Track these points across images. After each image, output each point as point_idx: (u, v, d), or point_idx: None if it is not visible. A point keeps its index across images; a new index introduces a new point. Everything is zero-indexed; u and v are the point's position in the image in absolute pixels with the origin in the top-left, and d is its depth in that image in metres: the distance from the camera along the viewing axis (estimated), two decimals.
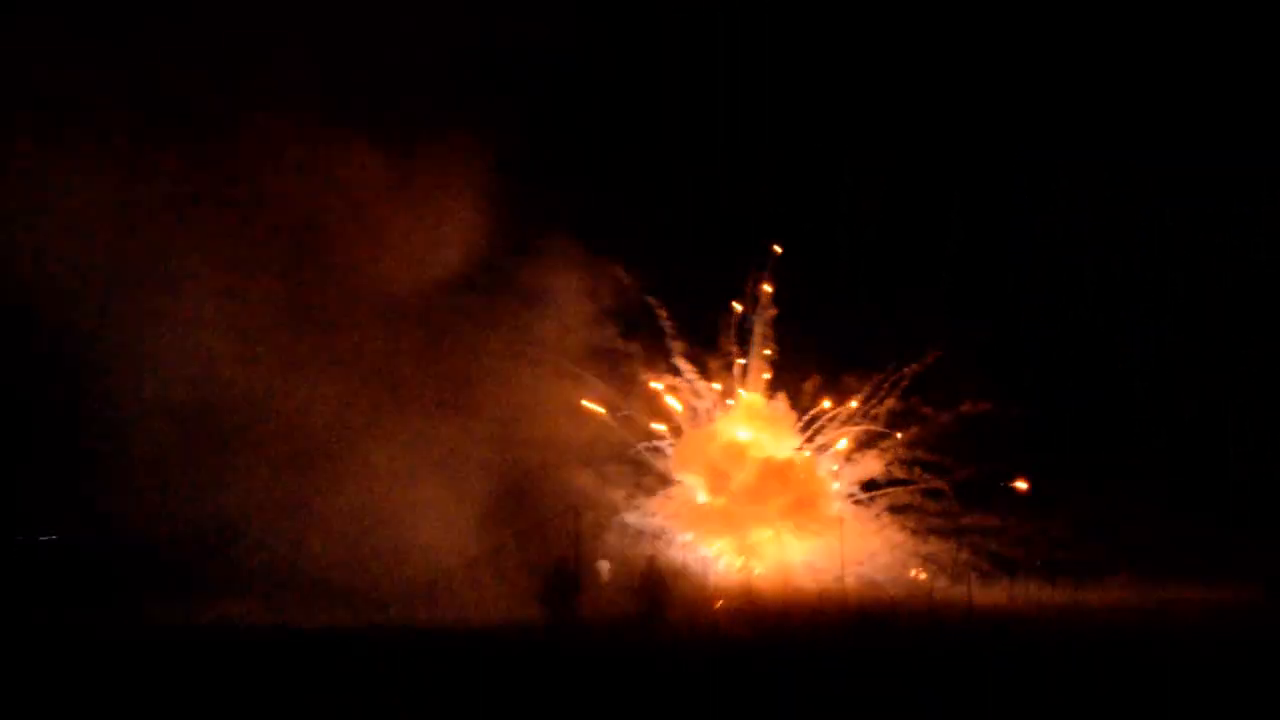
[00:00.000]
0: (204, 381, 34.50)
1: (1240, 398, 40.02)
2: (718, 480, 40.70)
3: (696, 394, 41.80)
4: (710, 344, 41.85)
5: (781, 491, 40.12)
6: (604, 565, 35.96)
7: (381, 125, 36.60)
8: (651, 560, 30.99)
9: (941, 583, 38.36)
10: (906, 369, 40.90)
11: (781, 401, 41.60)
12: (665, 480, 41.26)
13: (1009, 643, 27.57)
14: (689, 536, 39.98)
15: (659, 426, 41.54)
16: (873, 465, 41.01)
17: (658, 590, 30.40)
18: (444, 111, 36.40)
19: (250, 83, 35.03)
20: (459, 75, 37.15)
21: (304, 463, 35.39)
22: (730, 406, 41.98)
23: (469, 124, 36.69)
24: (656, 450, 41.50)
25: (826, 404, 41.59)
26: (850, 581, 36.67)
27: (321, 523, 35.02)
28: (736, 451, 40.97)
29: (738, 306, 41.97)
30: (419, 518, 35.76)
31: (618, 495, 40.00)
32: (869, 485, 41.44)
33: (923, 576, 38.88)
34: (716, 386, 41.96)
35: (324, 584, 33.54)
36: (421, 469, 36.39)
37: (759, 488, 40.11)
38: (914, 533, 40.05)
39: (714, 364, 41.90)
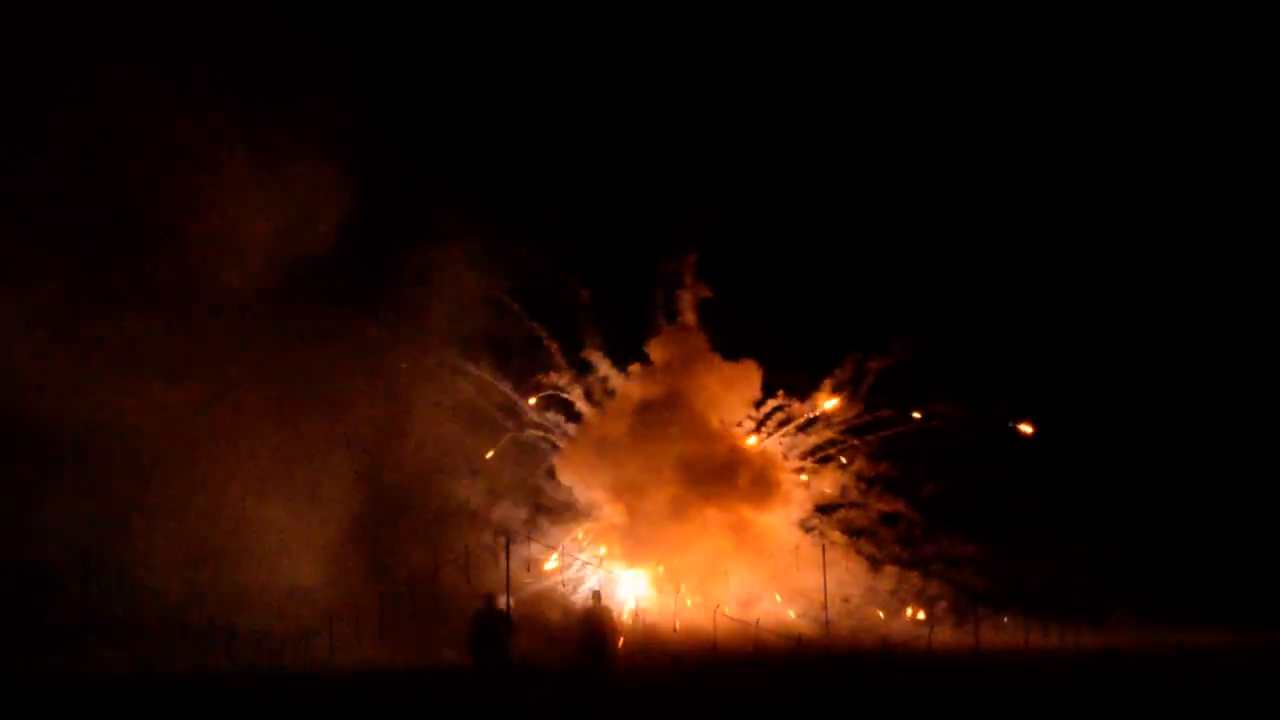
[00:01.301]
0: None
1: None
2: (629, 488, 33.55)
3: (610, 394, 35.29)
4: (631, 339, 35.29)
5: (726, 488, 33.00)
6: (502, 601, 29.77)
7: (226, 76, 30.70)
8: (596, 597, 25.01)
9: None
10: (870, 364, 34.45)
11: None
12: (571, 504, 34.83)
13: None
14: (596, 565, 33.45)
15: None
16: (828, 483, 34.58)
17: (602, 634, 24.55)
18: (307, 60, 30.60)
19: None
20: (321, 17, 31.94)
21: (138, 479, 29.86)
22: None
23: (336, 77, 30.96)
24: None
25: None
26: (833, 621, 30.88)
27: (159, 551, 29.52)
28: (656, 421, 33.42)
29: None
30: (275, 544, 30.46)
31: (518, 516, 33.60)
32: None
33: (920, 616, 32.90)
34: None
35: (169, 625, 28.75)
36: (278, 485, 30.98)
37: (692, 481, 32.84)
38: (873, 562, 33.86)
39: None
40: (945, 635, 30.81)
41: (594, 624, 25.48)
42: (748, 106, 38.20)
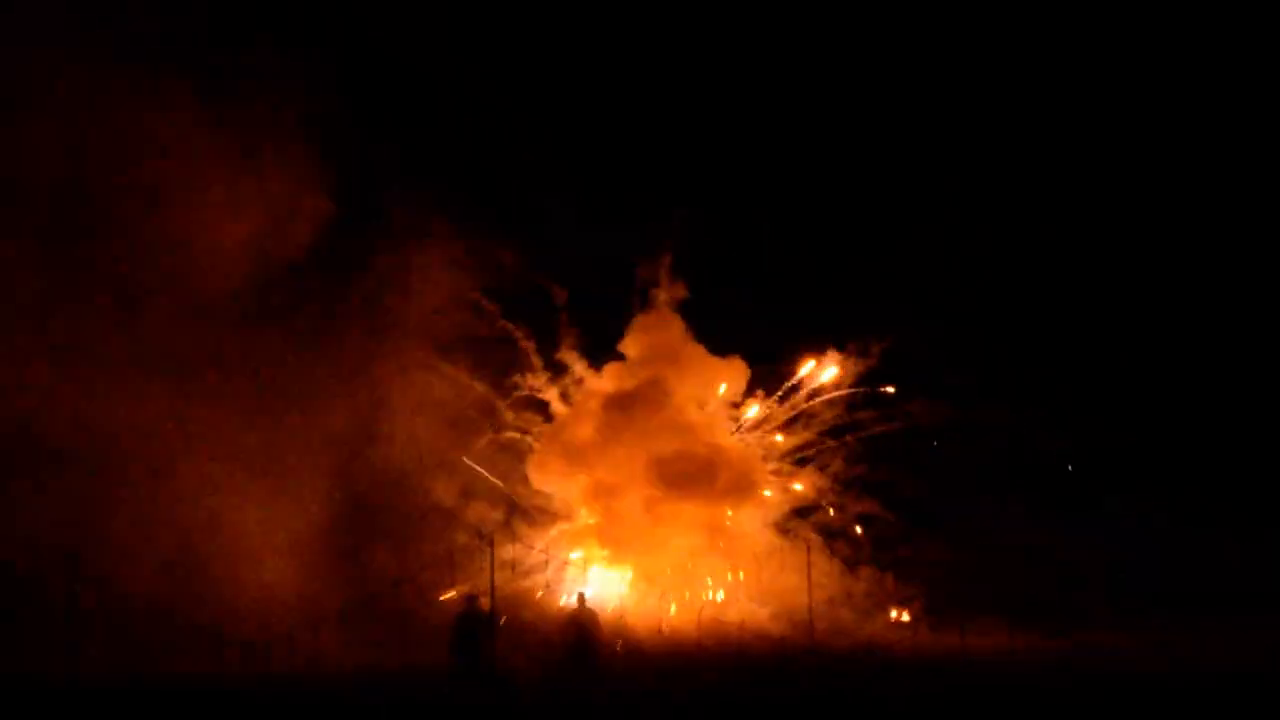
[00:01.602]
0: None
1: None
2: (604, 489, 33.16)
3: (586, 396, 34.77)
4: (610, 340, 34.86)
5: (704, 488, 32.45)
6: (484, 603, 29.40)
7: (202, 77, 30.07)
8: (581, 600, 24.81)
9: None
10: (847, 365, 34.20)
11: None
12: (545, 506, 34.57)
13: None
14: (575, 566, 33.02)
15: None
16: (806, 484, 34.25)
17: (587, 635, 24.38)
18: (283, 61, 29.91)
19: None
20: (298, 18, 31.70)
21: (114, 482, 29.09)
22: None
23: (313, 77, 30.27)
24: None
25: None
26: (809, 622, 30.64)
27: (139, 553, 28.53)
28: (628, 416, 32.88)
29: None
30: (254, 546, 29.88)
31: (494, 518, 33.08)
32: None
33: (905, 618, 32.73)
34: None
35: (153, 627, 27.71)
36: (256, 486, 30.57)
37: (667, 481, 32.29)
38: (849, 563, 33.63)
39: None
40: (924, 636, 30.80)
41: (580, 627, 25.34)
42: (729, 107, 37.81)
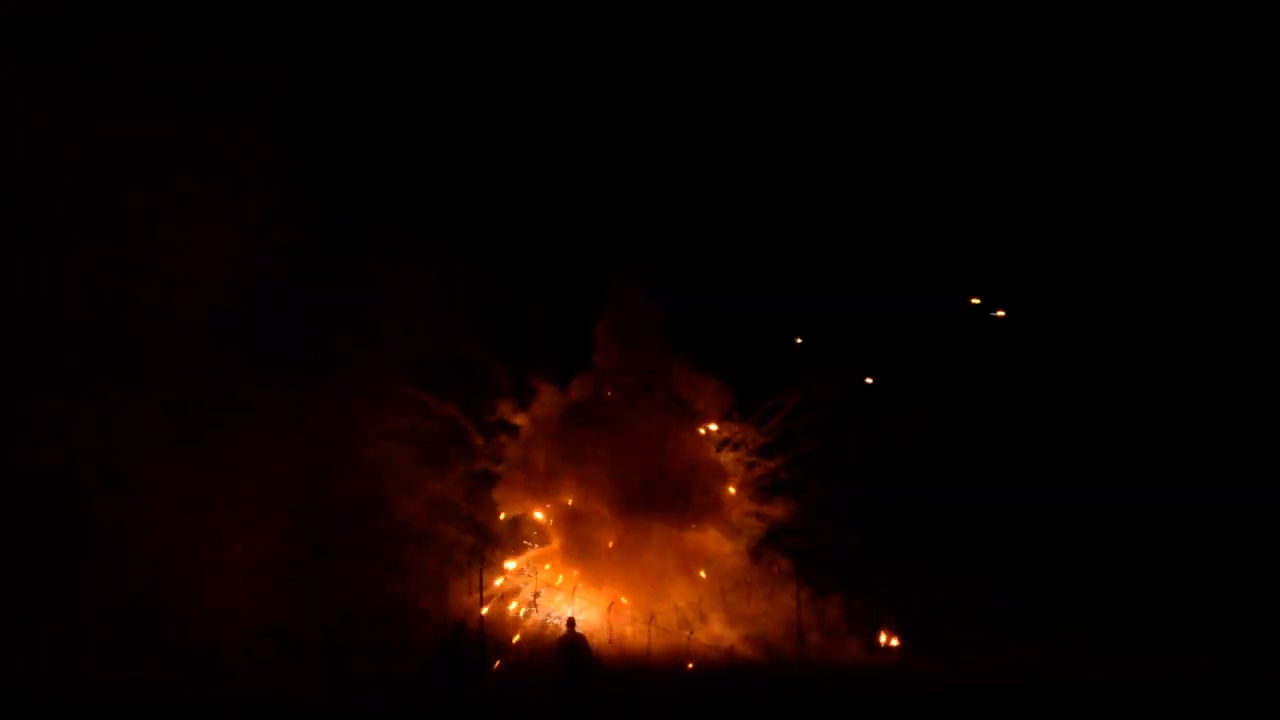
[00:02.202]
0: None
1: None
2: (572, 515, 32.78)
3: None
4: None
5: (677, 511, 32.15)
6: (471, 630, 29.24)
7: (175, 90, 30.18)
8: (571, 624, 24.70)
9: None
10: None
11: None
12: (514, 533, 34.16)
13: None
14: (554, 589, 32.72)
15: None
16: (779, 509, 33.72)
17: (584, 660, 24.36)
18: (253, 79, 30.51)
19: None
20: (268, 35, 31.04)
21: (66, 500, 29.27)
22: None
23: (283, 96, 30.91)
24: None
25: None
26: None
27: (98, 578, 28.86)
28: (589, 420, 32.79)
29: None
30: (219, 569, 30.06)
31: (466, 542, 32.67)
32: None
33: (894, 643, 32.69)
34: None
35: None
36: (217, 505, 30.65)
37: (638, 503, 32.02)
38: (822, 587, 33.06)
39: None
40: (894, 659, 30.91)
41: (573, 650, 25.18)
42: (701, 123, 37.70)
